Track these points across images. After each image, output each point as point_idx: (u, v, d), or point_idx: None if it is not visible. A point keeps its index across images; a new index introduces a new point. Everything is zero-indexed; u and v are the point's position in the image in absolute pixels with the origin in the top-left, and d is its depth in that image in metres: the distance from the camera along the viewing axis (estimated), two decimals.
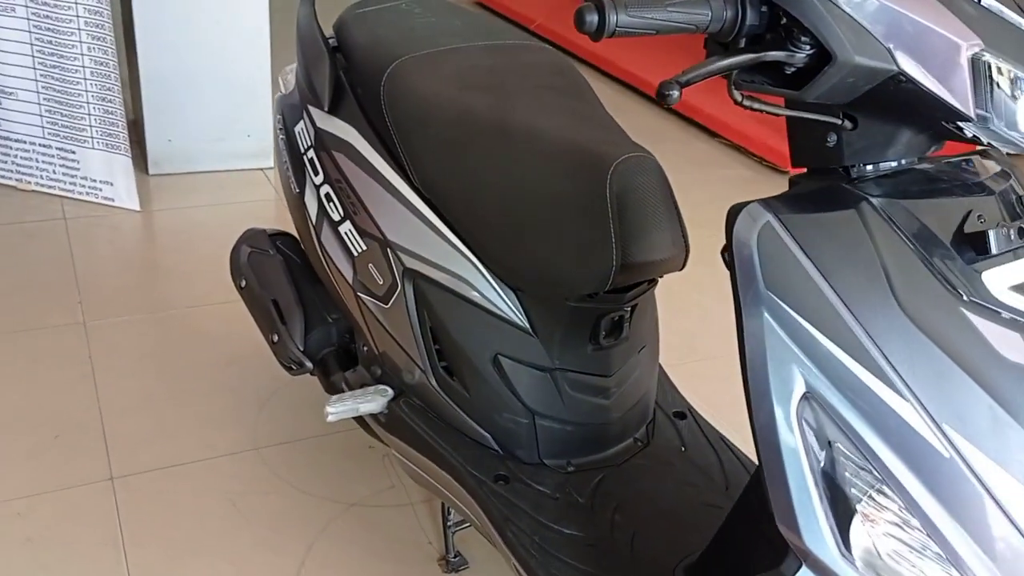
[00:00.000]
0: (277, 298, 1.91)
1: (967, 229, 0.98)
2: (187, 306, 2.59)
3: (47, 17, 2.85)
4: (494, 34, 1.79)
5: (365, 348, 1.76)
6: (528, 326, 1.55)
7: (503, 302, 1.54)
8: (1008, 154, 1.13)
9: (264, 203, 3.16)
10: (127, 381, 2.29)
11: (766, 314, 0.98)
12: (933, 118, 0.99)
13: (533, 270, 1.49)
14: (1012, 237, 0.98)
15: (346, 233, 1.69)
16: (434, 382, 1.61)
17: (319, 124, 1.73)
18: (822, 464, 0.96)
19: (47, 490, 1.96)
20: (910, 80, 0.94)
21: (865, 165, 1.06)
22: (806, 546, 0.97)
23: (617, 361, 1.59)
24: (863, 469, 0.95)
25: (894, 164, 1.06)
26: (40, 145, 3.05)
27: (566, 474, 1.58)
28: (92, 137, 2.99)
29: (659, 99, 0.91)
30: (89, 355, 2.37)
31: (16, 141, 3.06)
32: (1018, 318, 0.98)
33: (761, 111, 1.02)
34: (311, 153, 1.75)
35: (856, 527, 0.96)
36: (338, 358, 1.86)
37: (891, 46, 0.93)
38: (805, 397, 0.97)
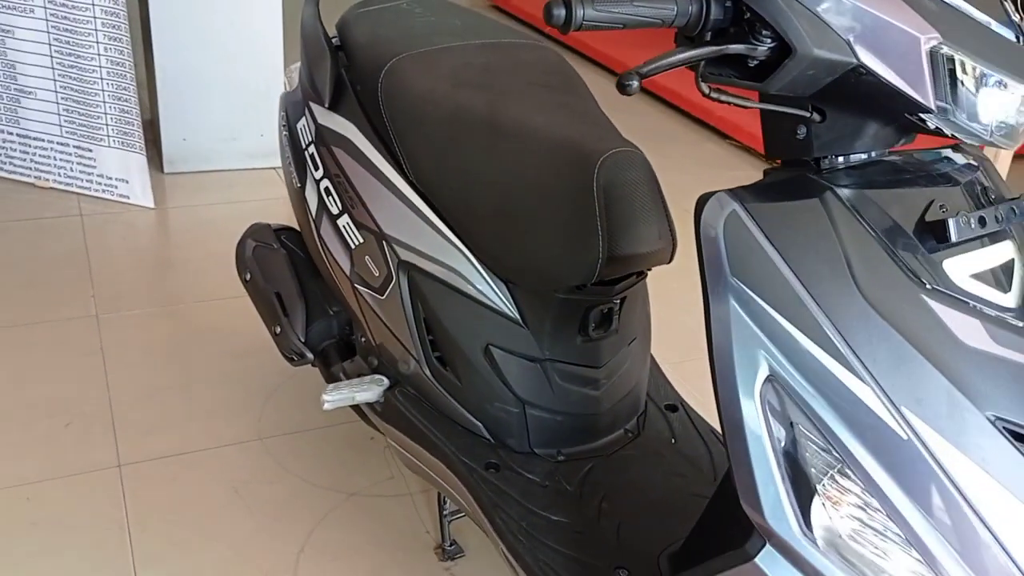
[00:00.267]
0: (280, 291, 1.95)
1: (928, 218, 1.01)
2: (197, 300, 2.65)
3: (65, 18, 2.92)
4: (492, 33, 1.83)
5: (363, 339, 1.80)
6: (519, 317, 1.58)
7: (494, 294, 1.58)
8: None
9: (276, 201, 3.21)
10: (137, 372, 2.35)
11: (731, 300, 1.01)
12: (896, 110, 1.01)
13: (522, 262, 1.52)
14: (972, 226, 1.00)
15: (344, 226, 1.73)
16: (428, 372, 1.65)
17: (320, 120, 1.78)
18: (784, 445, 0.99)
19: (56, 476, 2.01)
20: (870, 73, 0.97)
21: (836, 157, 1.08)
22: (769, 525, 1.00)
23: (607, 353, 1.62)
24: (824, 450, 0.98)
25: (863, 156, 1.08)
26: (58, 143, 3.12)
27: (556, 463, 1.61)
28: (108, 136, 3.05)
29: (619, 89, 0.94)
30: (101, 347, 2.43)
31: (35, 139, 3.14)
32: (978, 305, 1.00)
33: (729, 103, 1.04)
34: (312, 148, 1.80)
35: (816, 507, 0.98)
36: (339, 350, 1.90)
37: (850, 39, 0.96)
38: (768, 380, 0.99)
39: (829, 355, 0.97)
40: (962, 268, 1.01)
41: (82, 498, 1.97)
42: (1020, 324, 1.01)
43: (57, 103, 3.06)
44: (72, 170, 3.15)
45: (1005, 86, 1.00)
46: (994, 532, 0.95)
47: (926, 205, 1.02)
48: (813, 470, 0.98)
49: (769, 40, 0.96)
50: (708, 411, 1.77)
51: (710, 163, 3.82)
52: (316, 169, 1.79)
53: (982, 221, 1.01)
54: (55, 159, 3.14)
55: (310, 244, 1.89)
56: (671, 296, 2.12)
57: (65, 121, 3.08)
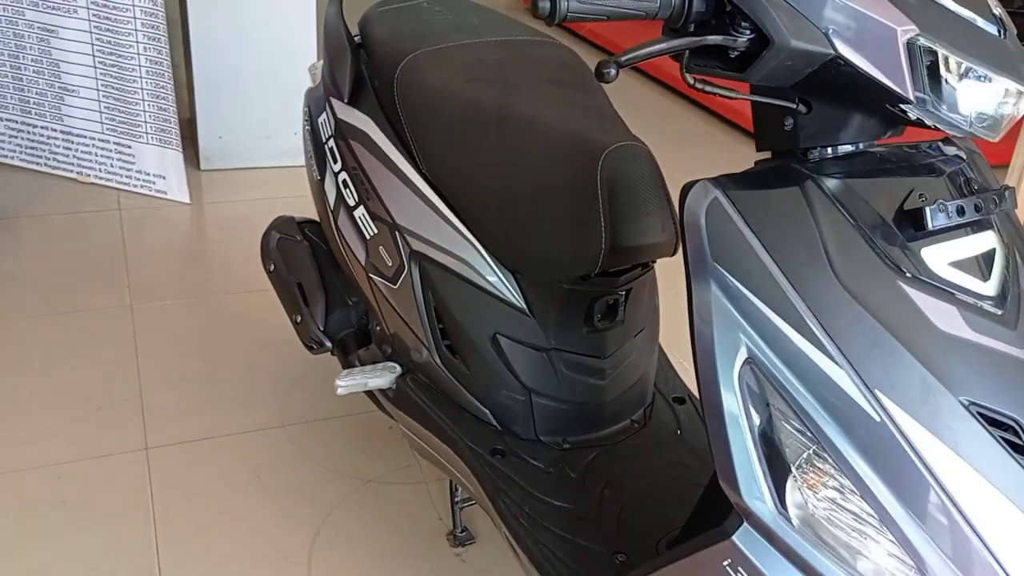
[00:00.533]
0: (302, 281, 2.01)
1: (907, 206, 1.03)
2: (226, 292, 2.73)
3: (106, 19, 3.02)
4: (508, 31, 1.87)
5: (378, 328, 1.85)
6: (525, 307, 1.62)
7: (502, 284, 1.62)
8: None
9: (306, 198, 3.25)
10: (166, 360, 2.42)
11: (713, 284, 1.04)
12: (877, 101, 1.03)
13: (528, 253, 1.56)
14: (951, 214, 1.02)
15: (360, 217, 1.78)
16: (438, 359, 1.69)
17: (339, 115, 1.83)
18: (761, 426, 1.02)
19: (85, 457, 2.09)
20: (848, 64, 0.99)
21: (824, 148, 1.11)
22: (746, 504, 1.02)
23: (612, 344, 1.65)
24: (799, 431, 1.00)
25: (849, 147, 1.11)
26: (99, 140, 3.22)
27: (561, 450, 1.65)
28: (147, 133, 3.15)
29: (596, 76, 0.97)
30: (133, 335, 2.51)
31: (77, 136, 3.24)
32: (956, 292, 1.02)
33: (714, 94, 1.08)
34: (331, 142, 1.85)
35: (791, 487, 1.01)
36: (357, 339, 1.96)
37: (828, 31, 0.98)
38: (747, 363, 1.02)
39: (805, 339, 1.00)
40: (941, 256, 1.03)
41: (110, 478, 2.04)
42: (998, 312, 1.03)
43: (99, 101, 3.16)
44: (112, 166, 3.25)
45: (985, 79, 1.02)
46: (965, 514, 0.97)
47: (906, 194, 1.04)
48: (788, 451, 1.01)
49: (748, 32, 0.99)
50: None
51: (740, 165, 3.82)
52: (335, 162, 1.84)
53: (960, 210, 1.03)
54: (96, 155, 3.25)
55: (328, 235, 1.94)
56: (681, 289, 2.13)
57: (106, 118, 3.18)
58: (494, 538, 1.92)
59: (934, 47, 0.99)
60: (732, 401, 1.02)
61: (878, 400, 0.98)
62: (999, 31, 1.05)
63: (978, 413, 0.98)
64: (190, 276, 2.84)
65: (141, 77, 3.07)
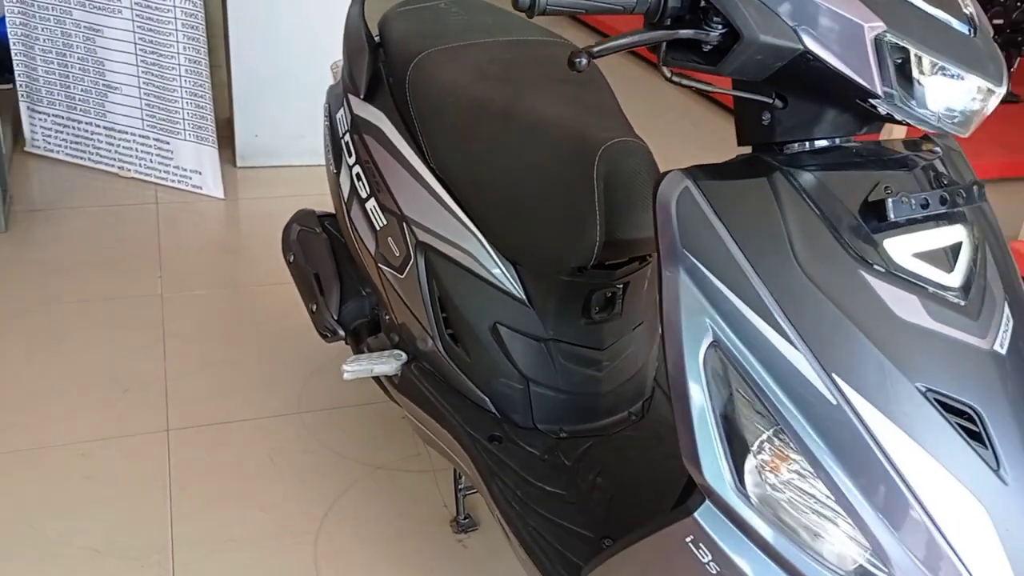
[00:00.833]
0: (319, 272, 2.08)
1: (871, 199, 1.06)
2: (254, 285, 2.81)
3: (149, 19, 3.13)
4: (521, 31, 1.92)
5: (387, 317, 1.91)
6: (525, 298, 1.66)
7: (503, 275, 1.66)
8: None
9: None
10: (192, 347, 2.51)
11: (682, 270, 1.07)
12: (848, 96, 1.07)
13: (527, 244, 1.61)
14: (913, 206, 1.05)
15: (371, 209, 1.84)
16: (440, 348, 1.74)
17: (355, 110, 1.90)
18: (723, 407, 1.05)
19: (111, 436, 2.18)
20: (817, 59, 1.03)
21: (801, 143, 1.14)
22: (707, 482, 1.06)
23: (610, 336, 1.69)
24: (759, 413, 1.04)
25: (825, 142, 1.14)
26: (139, 136, 3.34)
27: (557, 439, 1.69)
28: (184, 129, 3.25)
29: (569, 66, 1.02)
30: (162, 322, 2.60)
31: (119, 132, 3.36)
32: (917, 282, 1.05)
33: (691, 87, 1.12)
34: (347, 137, 1.92)
35: (750, 467, 1.04)
36: (369, 329, 2.02)
37: (797, 26, 1.02)
38: (712, 346, 1.06)
39: (767, 323, 1.03)
40: (905, 247, 1.05)
41: (132, 457, 2.12)
42: (961, 303, 1.05)
43: (140, 98, 3.28)
44: (151, 161, 3.36)
45: (954, 76, 1.04)
46: (919, 497, 0.99)
47: (872, 187, 1.07)
48: (748, 432, 1.04)
49: (720, 26, 1.03)
50: None
51: None
52: (350, 156, 1.91)
53: (925, 203, 1.05)
54: (136, 151, 3.36)
55: (342, 226, 2.01)
56: None
57: (146, 115, 3.29)
58: (495, 525, 1.96)
59: (902, 43, 1.02)
60: (697, 382, 1.06)
61: (835, 384, 1.01)
62: (970, 30, 1.08)
63: (935, 400, 1.01)
64: (220, 268, 2.93)
65: (180, 76, 3.17)
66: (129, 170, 3.40)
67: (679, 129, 4.12)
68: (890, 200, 1.04)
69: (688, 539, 1.09)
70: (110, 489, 2.03)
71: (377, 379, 1.90)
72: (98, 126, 3.38)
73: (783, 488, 1.04)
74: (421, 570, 1.89)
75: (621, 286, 1.65)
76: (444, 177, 1.72)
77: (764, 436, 1.04)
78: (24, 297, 2.66)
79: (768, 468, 1.05)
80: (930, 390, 1.01)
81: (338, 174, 1.97)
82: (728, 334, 1.05)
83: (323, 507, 2.02)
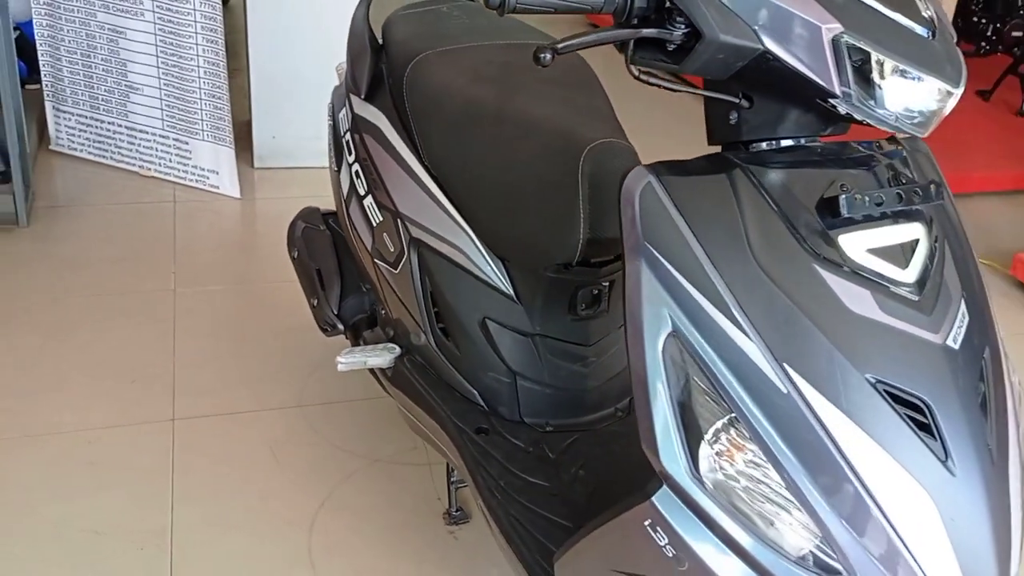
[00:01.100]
0: (321, 267, 2.14)
1: (826, 195, 1.09)
2: (264, 282, 2.87)
3: (170, 22, 3.21)
4: (519, 35, 1.96)
5: (383, 311, 1.96)
6: (513, 293, 1.70)
7: (492, 271, 1.71)
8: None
9: None
10: (201, 340, 2.57)
11: (643, 261, 1.11)
12: (809, 96, 1.10)
13: (514, 240, 1.65)
14: (867, 203, 1.08)
15: (368, 206, 1.89)
16: (432, 341, 1.79)
17: (356, 110, 1.95)
18: (680, 395, 1.08)
19: (117, 424, 2.24)
20: (777, 59, 1.06)
21: (769, 142, 1.17)
22: (664, 467, 1.09)
23: (596, 332, 1.72)
24: (714, 401, 1.07)
25: (790, 142, 1.17)
26: (160, 136, 3.42)
27: (543, 432, 1.72)
28: (203, 130, 3.33)
29: (534, 61, 1.06)
30: (173, 316, 2.67)
31: (140, 132, 3.44)
32: (870, 277, 1.07)
33: (658, 86, 1.15)
34: (348, 135, 1.97)
35: (704, 453, 1.07)
36: (368, 324, 2.07)
37: (757, 27, 1.05)
38: (671, 335, 1.09)
39: (723, 314, 1.06)
40: (859, 243, 1.08)
41: (136, 445, 2.18)
42: (915, 298, 1.08)
43: (160, 99, 3.36)
44: (171, 161, 3.44)
45: (912, 77, 1.07)
46: (867, 486, 1.02)
47: (829, 185, 1.10)
48: (703, 419, 1.07)
49: (683, 26, 1.07)
50: None
51: None
52: (350, 154, 1.96)
53: (879, 200, 1.08)
54: (156, 150, 3.44)
55: (342, 223, 2.06)
56: None
57: (167, 116, 3.37)
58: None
59: (859, 45, 1.05)
60: (656, 370, 1.09)
61: (787, 373, 1.04)
62: (929, 32, 1.11)
63: (885, 391, 1.03)
64: (232, 265, 2.99)
65: (199, 78, 3.25)
66: (149, 169, 3.48)
67: (680, 129, 4.14)
68: (843, 197, 1.07)
69: (647, 522, 1.12)
70: (114, 475, 2.09)
71: (372, 372, 1.94)
72: (120, 126, 3.46)
73: (738, 477, 1.07)
74: (412, 560, 1.94)
75: (607, 284, 1.68)
76: (437, 175, 1.76)
77: (719, 424, 1.07)
78: (41, 289, 2.74)
79: (724, 457, 1.08)
80: (880, 381, 1.03)
81: (339, 172, 2.03)
82: (686, 324, 1.08)
83: (320, 497, 2.07)
